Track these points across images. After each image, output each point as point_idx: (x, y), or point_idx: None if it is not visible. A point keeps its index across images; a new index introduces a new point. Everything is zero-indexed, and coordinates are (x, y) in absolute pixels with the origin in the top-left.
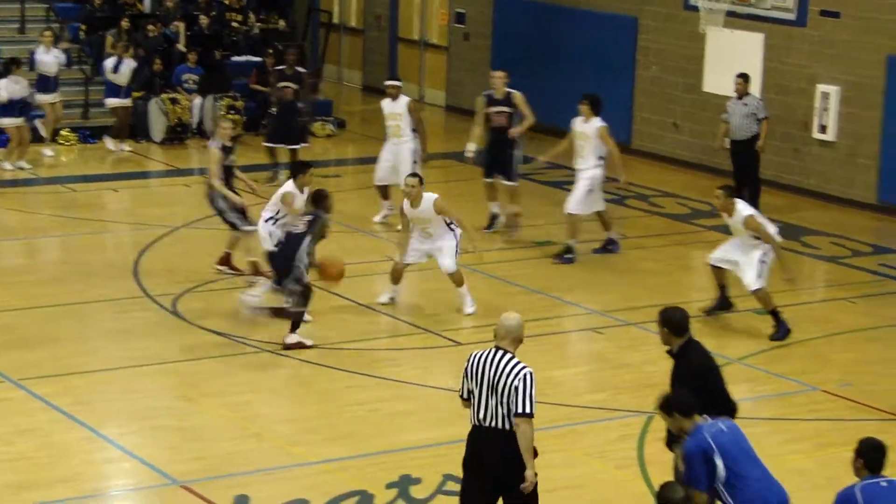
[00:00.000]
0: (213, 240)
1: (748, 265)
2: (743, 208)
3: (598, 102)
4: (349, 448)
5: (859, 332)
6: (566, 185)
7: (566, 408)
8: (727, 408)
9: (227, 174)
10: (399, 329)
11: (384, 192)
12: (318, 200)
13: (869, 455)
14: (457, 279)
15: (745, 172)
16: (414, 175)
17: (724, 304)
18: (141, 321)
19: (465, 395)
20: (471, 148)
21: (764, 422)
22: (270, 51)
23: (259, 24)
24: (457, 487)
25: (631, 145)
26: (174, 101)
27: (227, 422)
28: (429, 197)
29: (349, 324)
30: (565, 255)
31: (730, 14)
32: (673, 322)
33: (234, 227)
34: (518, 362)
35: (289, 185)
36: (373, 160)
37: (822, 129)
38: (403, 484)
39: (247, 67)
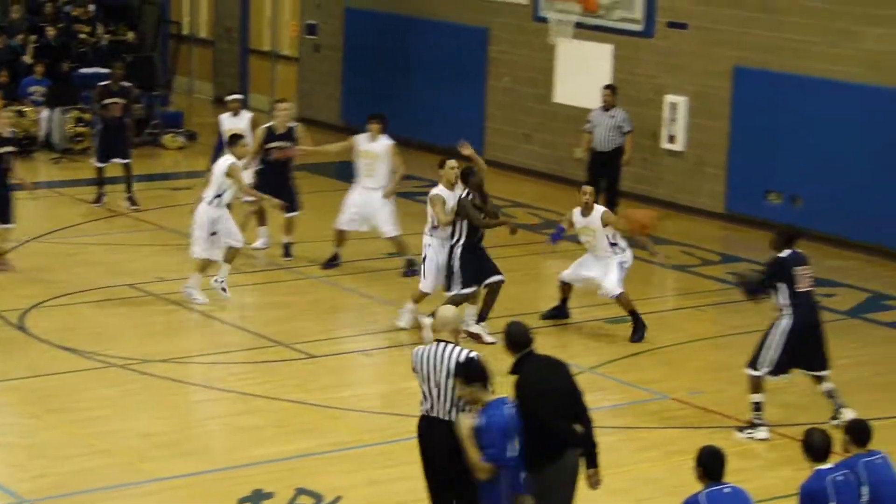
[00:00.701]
0: (63, 254)
1: (607, 273)
2: (599, 206)
3: (386, 121)
4: (201, 463)
5: (708, 340)
6: (418, 196)
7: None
8: (548, 435)
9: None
10: (251, 342)
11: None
12: (465, 177)
13: (707, 463)
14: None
15: (606, 183)
16: (454, 158)
17: (562, 312)
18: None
19: None
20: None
21: (616, 430)
22: (118, 63)
23: (108, 35)
24: (309, 500)
25: (483, 156)
26: (21, 114)
27: (75, 438)
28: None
29: (201, 337)
30: (410, 270)
31: (578, 25)
32: (507, 336)
33: None
34: (462, 349)
35: (229, 158)
36: None
37: (671, 139)
38: (256, 498)
39: (95, 79)
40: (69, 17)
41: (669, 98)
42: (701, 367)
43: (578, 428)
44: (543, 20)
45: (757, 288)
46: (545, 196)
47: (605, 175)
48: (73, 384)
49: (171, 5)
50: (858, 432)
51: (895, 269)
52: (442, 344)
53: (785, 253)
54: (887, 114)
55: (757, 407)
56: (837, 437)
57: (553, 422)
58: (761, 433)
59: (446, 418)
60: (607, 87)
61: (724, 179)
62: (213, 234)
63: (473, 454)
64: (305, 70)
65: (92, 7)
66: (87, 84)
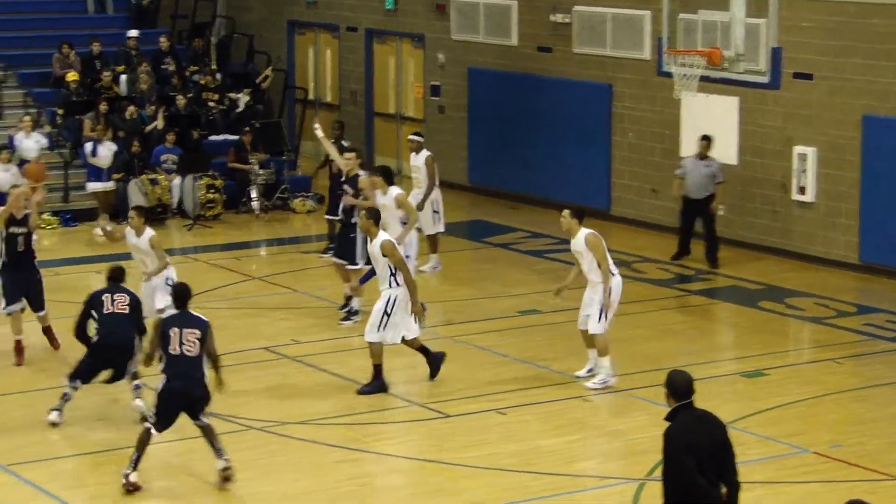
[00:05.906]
0: None
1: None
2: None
3: (145, 213)
4: None
5: (847, 393)
6: (547, 253)
7: (558, 476)
8: (688, 491)
9: None
10: (386, 402)
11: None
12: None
13: None
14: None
15: (705, 229)
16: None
17: None
18: (128, 404)
19: None
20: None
21: (757, 485)
22: (247, 129)
23: (248, 97)
24: None
25: (611, 212)
26: (154, 182)
27: (220, 501)
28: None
29: (337, 398)
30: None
31: (703, 79)
32: (669, 384)
33: None
34: None
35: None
36: None
37: (801, 190)
38: None
39: (225, 146)
40: (198, 86)
41: (798, 149)
42: (840, 419)
43: (723, 489)
44: (668, 75)
45: None
46: (674, 250)
47: (699, 219)
48: None
49: (297, 71)
50: None
51: None
52: None
53: None
54: None
55: None
56: None
57: (694, 479)
58: None
59: None
60: (703, 137)
61: (857, 230)
62: None
63: None
64: (431, 131)
65: (219, 75)
66: (218, 151)
